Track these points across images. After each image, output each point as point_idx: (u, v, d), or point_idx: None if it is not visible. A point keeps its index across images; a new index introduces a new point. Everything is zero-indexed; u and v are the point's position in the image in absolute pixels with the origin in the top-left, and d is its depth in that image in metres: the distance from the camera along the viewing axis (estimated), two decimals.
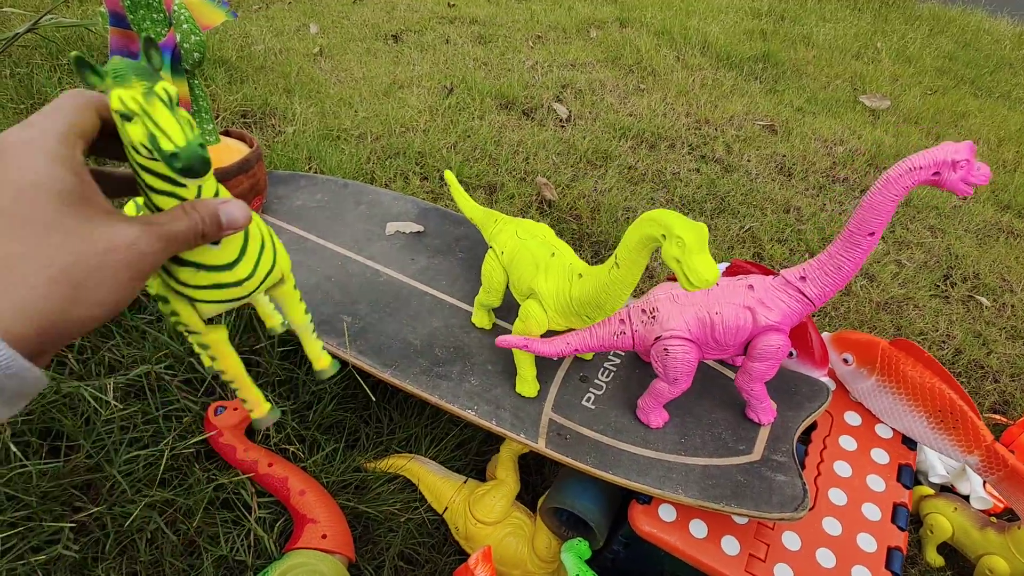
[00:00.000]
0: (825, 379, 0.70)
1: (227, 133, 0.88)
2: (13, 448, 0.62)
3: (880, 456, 0.67)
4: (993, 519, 0.86)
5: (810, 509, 0.60)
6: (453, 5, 2.99)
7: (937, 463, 0.90)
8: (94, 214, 0.26)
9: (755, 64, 2.58)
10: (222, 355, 0.43)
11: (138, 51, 0.73)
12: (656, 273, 1.38)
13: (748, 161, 1.88)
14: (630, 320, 0.62)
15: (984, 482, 0.91)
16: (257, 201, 0.88)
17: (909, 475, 0.66)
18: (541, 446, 0.64)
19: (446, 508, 0.77)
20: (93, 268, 0.25)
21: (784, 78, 2.53)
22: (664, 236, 0.48)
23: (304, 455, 0.74)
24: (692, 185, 1.72)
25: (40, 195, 0.24)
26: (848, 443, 0.69)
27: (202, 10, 0.75)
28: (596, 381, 0.71)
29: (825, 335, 0.75)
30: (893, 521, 0.62)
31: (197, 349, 0.43)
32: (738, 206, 1.65)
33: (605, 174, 1.72)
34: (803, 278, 0.57)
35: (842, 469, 0.66)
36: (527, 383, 0.68)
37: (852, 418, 0.71)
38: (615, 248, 0.66)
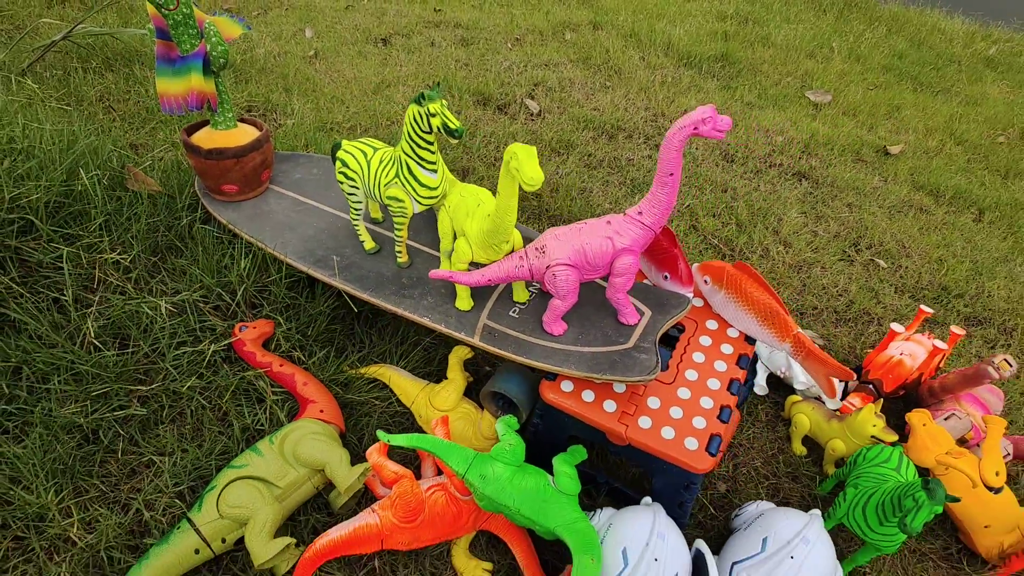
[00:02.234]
0: (690, 295, 0.94)
1: (242, 120, 1.12)
2: (95, 342, 0.86)
3: (727, 348, 0.92)
4: (837, 413, 1.11)
5: (664, 379, 0.85)
6: (439, 10, 3.24)
7: (800, 374, 1.15)
8: None
9: (713, 63, 2.83)
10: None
11: (176, 58, 0.98)
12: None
13: (696, 149, 2.12)
14: (527, 256, 0.86)
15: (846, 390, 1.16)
16: (266, 173, 1.13)
17: (746, 361, 0.91)
18: (476, 340, 0.89)
19: (412, 402, 1.02)
20: None
21: (739, 76, 2.77)
22: (511, 157, 0.75)
23: (305, 359, 0.99)
24: (643, 170, 1.97)
25: None
26: (705, 340, 0.93)
27: (225, 26, 1.00)
28: (523, 303, 0.96)
29: (694, 265, 0.99)
30: (728, 389, 0.87)
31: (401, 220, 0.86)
32: (681, 187, 1.89)
33: (567, 160, 1.97)
34: (640, 212, 0.82)
35: (697, 357, 0.91)
36: (463, 300, 0.93)
37: (711, 324, 0.95)
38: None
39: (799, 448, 1.14)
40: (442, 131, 0.84)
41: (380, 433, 0.84)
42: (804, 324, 1.45)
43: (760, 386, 1.19)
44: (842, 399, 1.20)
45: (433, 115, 0.84)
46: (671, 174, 0.79)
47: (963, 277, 1.63)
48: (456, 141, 0.85)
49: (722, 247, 1.66)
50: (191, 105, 0.99)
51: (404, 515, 0.81)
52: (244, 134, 1.07)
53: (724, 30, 3.27)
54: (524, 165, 0.74)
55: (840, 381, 1.21)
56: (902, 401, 1.24)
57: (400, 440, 0.84)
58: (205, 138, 1.05)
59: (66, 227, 0.94)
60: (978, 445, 1.08)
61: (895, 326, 1.19)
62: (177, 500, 0.82)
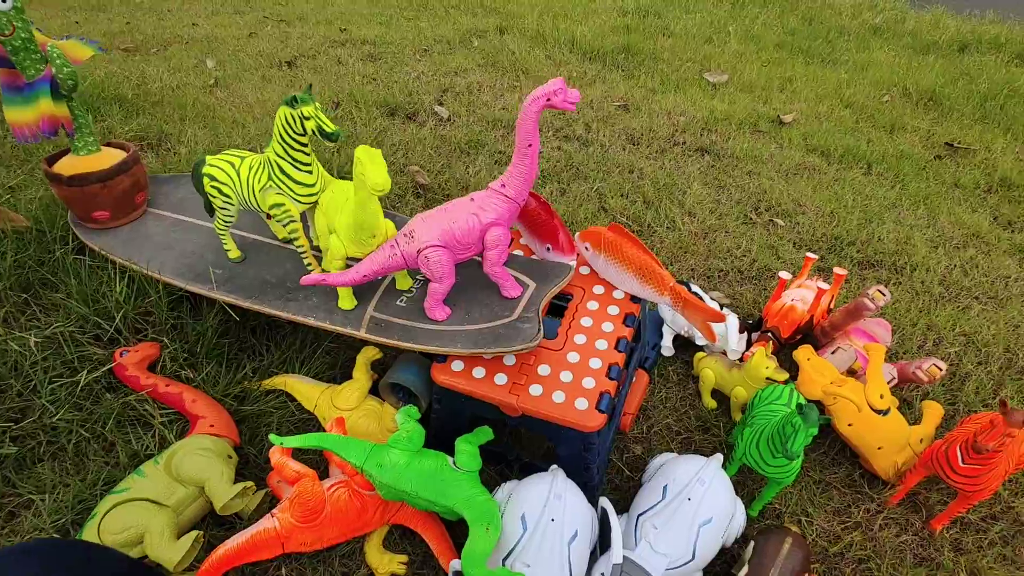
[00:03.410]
0: (572, 263, 0.97)
1: (109, 144, 1.09)
2: None
3: (613, 310, 0.94)
4: (738, 362, 1.15)
5: (553, 346, 0.87)
6: (345, 30, 3.24)
7: (668, 341, 1.19)
8: None
9: (617, 55, 2.92)
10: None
11: (23, 85, 0.94)
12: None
13: (603, 136, 2.18)
14: (397, 244, 0.86)
15: (742, 340, 1.20)
16: (141, 196, 1.10)
17: (632, 320, 0.93)
18: (362, 332, 0.88)
19: (315, 406, 1.00)
20: None
21: (642, 65, 2.86)
22: (357, 162, 0.76)
23: (195, 377, 0.96)
24: (552, 160, 2.01)
25: None
26: (592, 305, 0.95)
27: (73, 48, 0.97)
28: (408, 290, 0.97)
29: (576, 234, 1.02)
30: (616, 348, 0.89)
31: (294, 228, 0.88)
32: (590, 172, 1.94)
33: (476, 160, 1.99)
34: (503, 185, 0.84)
35: (585, 321, 0.93)
36: (345, 300, 0.92)
37: (598, 289, 0.98)
38: None
39: (709, 401, 1.17)
40: (317, 134, 0.85)
41: (273, 437, 0.82)
42: (712, 286, 1.51)
43: (667, 347, 1.22)
44: (746, 350, 1.25)
45: (307, 118, 0.85)
46: (529, 145, 0.81)
47: (855, 226, 1.72)
48: (333, 144, 0.85)
49: (631, 224, 1.70)
50: (44, 131, 0.96)
51: (304, 515, 0.80)
52: (109, 157, 1.04)
53: (626, 24, 3.38)
54: (368, 171, 0.75)
55: (745, 332, 1.25)
56: (802, 344, 1.29)
57: (294, 441, 0.83)
58: (68, 165, 1.02)
59: None
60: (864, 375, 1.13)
61: (783, 275, 1.25)
62: (56, 536, 0.78)
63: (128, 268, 0.98)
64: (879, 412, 1.01)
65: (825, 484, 1.04)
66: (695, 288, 1.22)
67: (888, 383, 1.10)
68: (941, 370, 1.06)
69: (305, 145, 0.87)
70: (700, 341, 1.19)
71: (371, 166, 0.75)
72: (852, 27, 3.59)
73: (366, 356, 1.02)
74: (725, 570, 0.92)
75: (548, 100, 0.78)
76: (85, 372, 0.90)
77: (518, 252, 1.05)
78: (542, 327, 0.85)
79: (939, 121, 2.35)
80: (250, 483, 0.80)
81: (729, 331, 1.20)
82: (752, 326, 1.29)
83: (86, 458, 0.85)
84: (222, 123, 2.03)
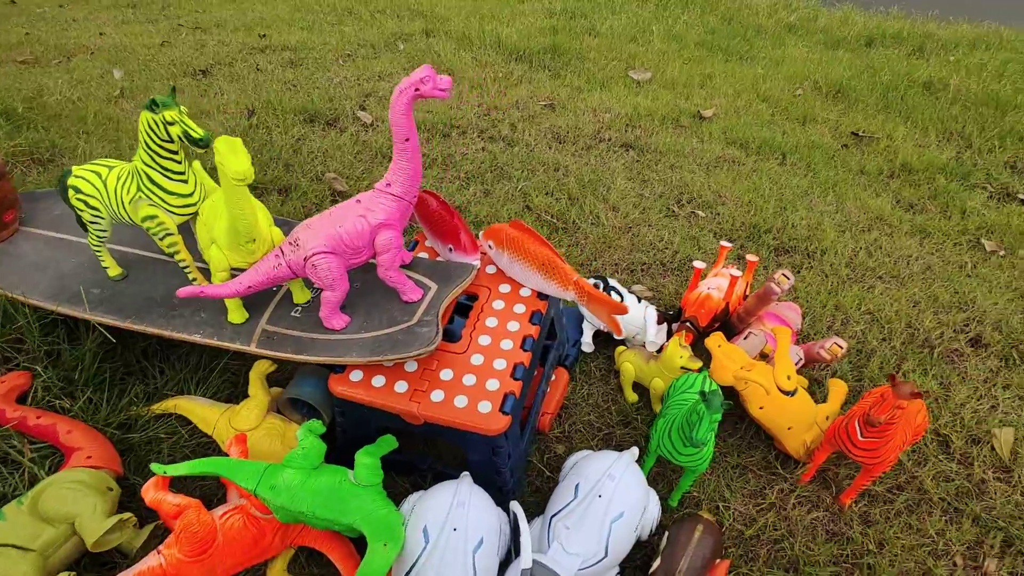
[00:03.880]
0: (475, 263, 0.95)
1: None
2: None
3: (519, 308, 0.93)
4: (656, 354, 1.16)
5: (457, 349, 0.84)
6: (265, 36, 3.13)
7: (588, 337, 1.19)
8: None
9: (544, 55, 2.93)
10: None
11: None
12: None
13: (528, 135, 2.18)
14: (283, 253, 0.82)
15: (657, 332, 1.21)
16: (9, 214, 1.01)
17: (539, 317, 0.92)
18: (252, 347, 0.84)
19: (213, 429, 0.94)
20: None
21: (569, 65, 2.88)
22: (215, 152, 0.72)
23: (71, 406, 0.89)
24: (477, 162, 1.99)
25: None
26: (498, 304, 0.94)
27: None
28: (305, 303, 0.92)
29: (480, 233, 1.00)
30: (522, 347, 0.88)
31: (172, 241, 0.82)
32: (514, 171, 1.93)
33: None
34: (388, 184, 0.81)
35: (491, 322, 0.91)
36: (234, 313, 0.87)
37: (504, 288, 0.96)
38: None
39: (630, 395, 1.17)
40: (184, 140, 0.80)
41: (155, 466, 0.76)
42: (635, 279, 1.52)
43: (587, 344, 1.21)
44: (667, 340, 1.25)
45: (171, 123, 0.79)
46: (406, 139, 0.79)
47: (771, 214, 1.77)
48: (203, 150, 0.80)
49: (555, 221, 1.70)
50: None
51: (192, 549, 0.74)
52: None
53: (553, 25, 3.40)
54: (227, 159, 0.71)
55: (665, 324, 1.26)
56: (720, 331, 1.31)
57: (180, 469, 0.77)
58: None
59: None
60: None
61: (697, 264, 1.26)
62: None
63: None
64: (787, 393, 1.03)
65: (742, 468, 1.06)
66: (612, 282, 1.22)
67: (796, 364, 1.13)
68: (842, 348, 1.09)
69: (175, 152, 0.82)
70: (587, 348, 1.19)
71: (230, 155, 0.71)
72: (768, 25, 3.73)
73: (259, 371, 0.96)
74: (646, 563, 0.91)
75: (417, 90, 0.75)
76: None
77: (423, 255, 1.02)
78: (441, 330, 0.82)
79: (846, 112, 2.46)
80: (127, 514, 0.74)
81: (647, 323, 1.20)
82: (672, 317, 1.30)
83: None
84: (126, 135, 1.92)
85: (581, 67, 2.86)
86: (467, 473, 0.83)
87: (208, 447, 0.95)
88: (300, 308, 0.90)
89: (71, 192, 0.86)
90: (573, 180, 1.89)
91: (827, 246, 1.63)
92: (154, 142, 0.80)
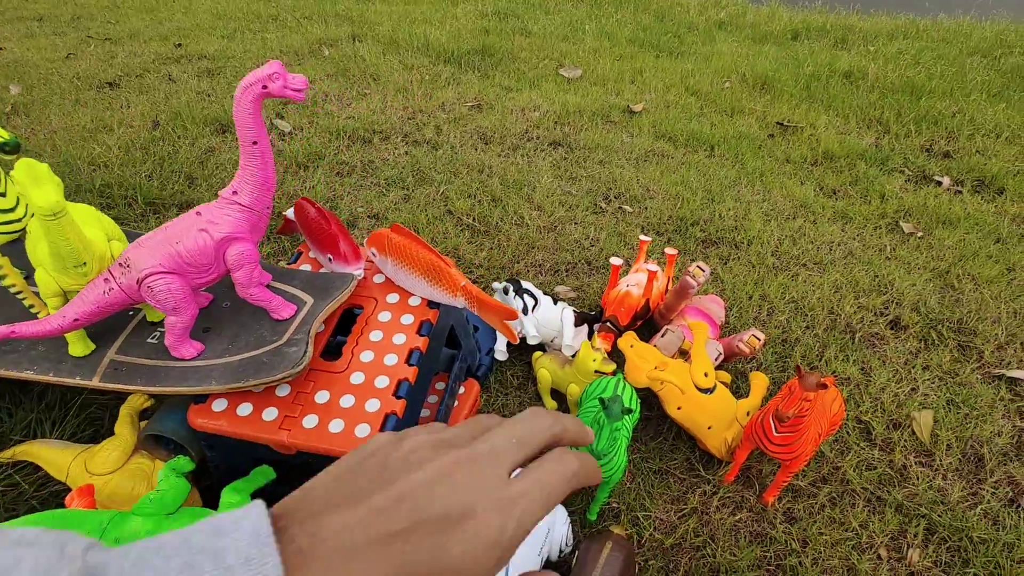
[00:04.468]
0: (357, 273, 0.87)
1: None
2: None
3: (407, 319, 0.85)
4: (571, 358, 1.10)
5: (336, 368, 0.77)
6: (180, 45, 2.98)
7: (531, 329, 1.12)
8: None
9: (473, 57, 2.87)
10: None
11: None
12: None
13: (453, 137, 2.11)
14: (112, 276, 0.72)
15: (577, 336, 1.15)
16: None
17: (428, 327, 0.85)
18: (95, 382, 0.74)
19: (67, 475, 0.84)
20: None
21: (499, 65, 2.83)
22: (19, 182, 0.62)
23: None
24: (398, 167, 1.91)
25: None
26: (385, 316, 0.86)
27: None
28: (161, 323, 0.83)
29: (365, 240, 0.92)
30: (407, 361, 0.80)
31: None
32: (436, 175, 1.86)
33: (315, 173, 1.85)
34: (235, 192, 0.73)
35: (375, 336, 0.83)
36: (76, 345, 0.77)
37: (392, 298, 0.88)
38: None
39: (549, 403, 1.11)
40: None
41: None
42: (559, 280, 1.46)
43: (501, 352, 1.15)
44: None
45: None
46: (254, 142, 0.71)
47: (698, 206, 1.75)
48: (11, 157, 0.70)
49: (477, 224, 1.63)
50: None
51: None
52: None
53: (485, 26, 3.36)
54: (29, 191, 0.61)
55: (585, 325, 1.21)
56: (647, 331, 1.27)
57: (13, 526, 0.66)
58: None
59: None
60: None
61: (615, 261, 1.22)
62: None
63: None
64: (705, 391, 0.99)
65: (663, 473, 1.01)
66: (526, 285, 1.16)
67: (716, 360, 1.09)
68: (760, 340, 1.06)
69: None
70: (531, 340, 1.13)
71: (33, 186, 0.61)
72: (699, 22, 3.78)
73: (131, 406, 0.86)
74: None
75: (265, 88, 0.67)
76: None
77: (306, 266, 0.94)
78: (310, 349, 0.74)
79: (772, 103, 2.48)
80: None
81: (564, 325, 1.15)
82: (593, 317, 1.24)
83: None
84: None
85: (511, 67, 2.81)
86: None
87: (63, 494, 0.84)
88: (158, 333, 0.81)
89: None
90: (497, 181, 1.83)
91: (753, 236, 1.62)
92: None
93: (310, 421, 0.74)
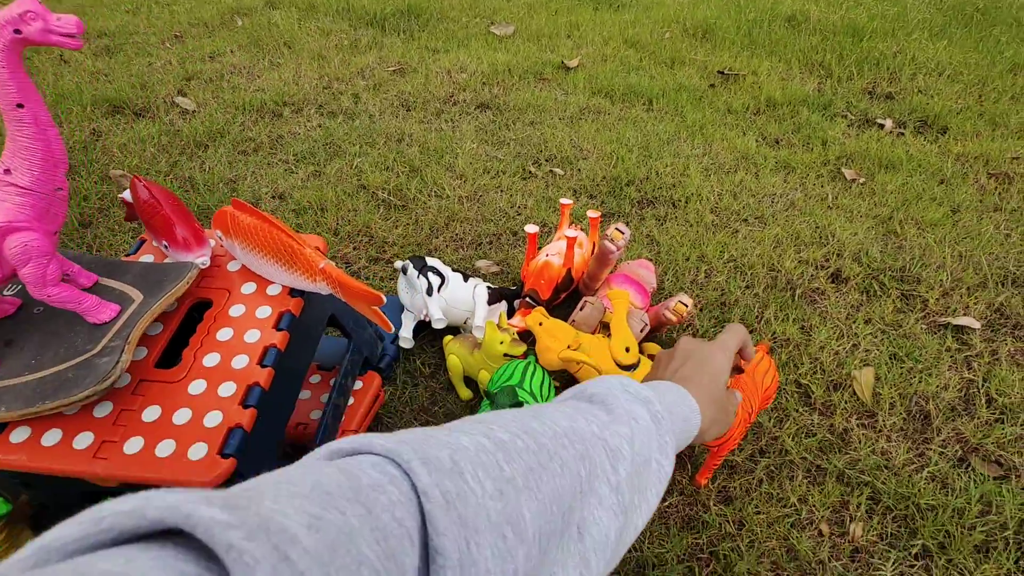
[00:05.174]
0: (200, 261, 0.73)
1: None
2: None
3: (264, 312, 0.72)
4: (480, 341, 0.98)
5: (172, 377, 0.64)
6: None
7: (436, 311, 1.00)
8: None
9: (399, 19, 2.67)
10: None
11: None
12: None
13: (372, 106, 1.94)
14: None
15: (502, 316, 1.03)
16: None
17: (289, 319, 0.72)
18: None
19: None
20: None
21: (426, 26, 2.64)
22: None
23: None
24: (309, 141, 1.74)
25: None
26: (238, 310, 0.73)
27: None
28: None
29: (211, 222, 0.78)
30: (260, 363, 0.67)
31: None
32: (351, 147, 1.70)
33: (216, 151, 1.68)
34: (7, 171, 0.58)
35: (224, 334, 0.70)
36: None
37: (248, 288, 0.75)
38: None
39: (463, 392, 1.00)
40: None
41: None
42: (481, 253, 1.34)
43: (406, 339, 1.02)
44: (509, 318, 1.08)
45: None
46: (18, 105, 0.56)
47: (634, 164, 1.63)
48: None
49: (393, 198, 1.49)
50: None
51: None
52: None
53: None
54: None
55: (503, 302, 1.09)
56: (571, 303, 1.16)
57: None
58: None
59: None
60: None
61: (529, 228, 1.10)
62: None
63: None
64: (627, 368, 0.88)
65: None
66: (432, 261, 1.04)
67: (641, 331, 0.99)
68: (687, 306, 0.96)
69: None
70: (437, 324, 1.00)
71: None
72: None
73: None
74: None
75: (18, 31, 0.52)
76: None
77: (148, 257, 0.79)
78: (125, 358, 0.61)
79: (713, 52, 2.36)
80: None
81: (477, 303, 1.03)
82: (513, 293, 1.13)
83: None
84: None
85: (440, 27, 2.63)
86: None
87: None
88: None
89: None
90: (416, 150, 1.69)
91: (692, 193, 1.51)
92: None
93: (133, 445, 0.61)
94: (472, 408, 0.99)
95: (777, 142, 1.79)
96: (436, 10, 2.79)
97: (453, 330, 1.09)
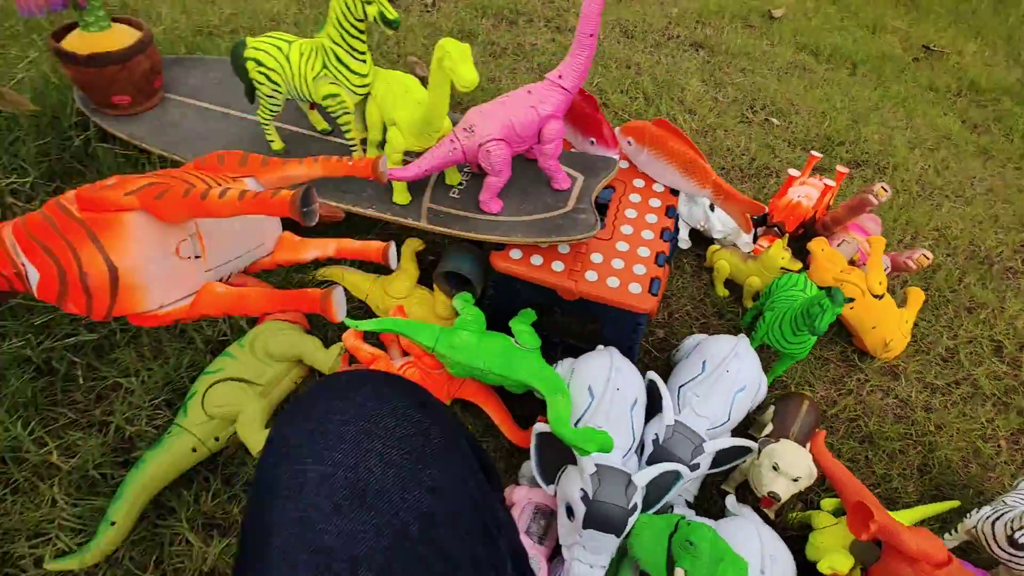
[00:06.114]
0: (615, 157, 1.00)
1: (116, 20, 1.00)
2: None
3: (655, 202, 1.00)
4: (751, 255, 1.25)
5: (602, 236, 0.92)
6: None
7: (717, 223, 1.26)
8: None
9: None
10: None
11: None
12: None
13: None
14: (457, 138, 0.86)
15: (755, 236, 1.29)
16: (159, 80, 1.03)
17: (673, 211, 0.99)
18: (422, 223, 0.91)
19: (367, 295, 1.04)
20: None
21: None
22: (444, 56, 0.74)
23: None
24: (547, 54, 1.95)
25: None
26: (634, 197, 1.00)
27: None
28: (458, 184, 0.98)
29: (617, 128, 1.04)
30: (661, 237, 0.96)
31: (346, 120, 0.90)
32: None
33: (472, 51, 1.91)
34: (560, 76, 0.84)
35: (630, 213, 0.98)
36: (400, 194, 0.93)
37: (638, 183, 1.02)
38: None
39: (722, 291, 1.27)
40: (378, 21, 0.81)
41: (348, 320, 0.85)
42: None
43: (684, 240, 1.30)
44: (753, 242, 1.34)
45: (369, 2, 0.80)
46: (591, 34, 0.81)
47: (843, 127, 1.80)
48: (392, 32, 0.82)
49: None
50: (54, 5, 0.87)
51: None
52: (122, 35, 0.96)
53: None
54: (458, 66, 0.73)
55: (754, 217, 1.34)
56: (803, 238, 1.40)
57: (368, 325, 0.87)
58: (78, 43, 0.93)
59: None
60: (864, 264, 1.25)
61: (792, 172, 1.32)
62: (158, 412, 0.82)
63: (168, 158, 0.94)
64: (877, 297, 1.13)
65: (824, 359, 1.19)
66: None
67: (886, 272, 1.23)
68: (928, 259, 1.19)
69: (363, 32, 0.83)
70: (716, 234, 1.27)
71: (462, 63, 0.74)
72: None
73: (411, 247, 1.04)
74: (743, 432, 1.06)
75: None
76: None
77: None
78: (599, 218, 0.89)
79: (917, 21, 2.40)
80: (342, 344, 0.86)
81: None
82: (756, 221, 1.37)
83: (162, 344, 0.87)
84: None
85: None
86: (612, 347, 0.94)
87: (360, 311, 1.05)
88: (456, 189, 0.96)
89: (251, 65, 0.88)
90: (647, 79, 1.88)
91: (898, 162, 1.68)
92: (347, 20, 0.81)
93: (591, 275, 0.91)
94: (730, 304, 1.26)
95: (976, 127, 1.90)
96: None
97: (708, 240, 1.35)
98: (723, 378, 0.92)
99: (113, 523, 0.73)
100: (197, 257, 0.41)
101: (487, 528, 0.40)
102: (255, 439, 0.81)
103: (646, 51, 2.04)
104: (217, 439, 0.82)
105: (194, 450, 0.80)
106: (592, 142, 1.01)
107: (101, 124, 0.97)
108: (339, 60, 0.84)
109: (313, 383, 0.40)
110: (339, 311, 0.43)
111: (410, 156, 0.94)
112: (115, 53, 0.92)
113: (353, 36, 0.83)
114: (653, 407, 0.92)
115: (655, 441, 0.87)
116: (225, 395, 0.82)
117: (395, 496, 0.35)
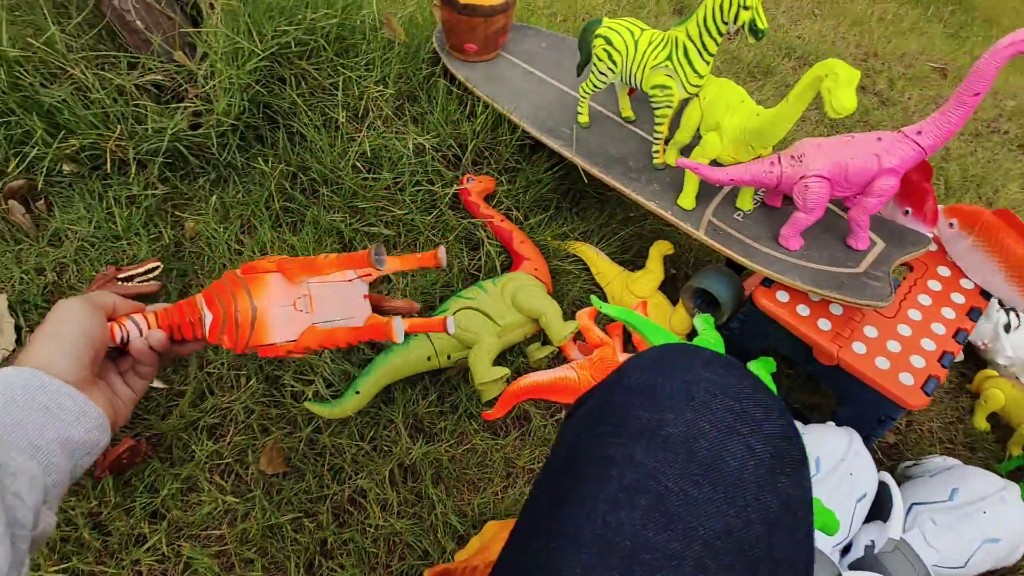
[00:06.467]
0: (929, 235, 0.89)
1: None
2: (357, 163, 0.96)
3: (958, 298, 0.87)
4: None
5: (884, 312, 0.84)
6: None
7: (1007, 347, 1.07)
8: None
9: (944, 5, 2.48)
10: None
11: None
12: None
13: (908, 99, 1.92)
14: (780, 163, 0.83)
15: None
16: (503, 38, 1.16)
17: (977, 314, 0.86)
18: (701, 234, 0.90)
19: (608, 283, 1.07)
20: None
21: (972, 24, 2.42)
22: (827, 75, 0.71)
23: (522, 220, 1.05)
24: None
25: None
26: (935, 285, 0.89)
27: None
28: (748, 210, 0.96)
29: (941, 207, 0.93)
30: (955, 337, 0.84)
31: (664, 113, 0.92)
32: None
33: (763, 87, 1.85)
34: (919, 132, 0.76)
35: (924, 300, 0.87)
36: (688, 198, 0.93)
37: (943, 271, 0.91)
38: None
39: (982, 423, 1.09)
40: (746, 28, 0.79)
41: (594, 299, 0.88)
42: None
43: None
44: None
45: (747, 8, 0.78)
46: (976, 94, 0.73)
47: None
48: (756, 41, 0.82)
49: None
50: None
51: (598, 377, 0.88)
52: None
53: None
54: (840, 88, 0.71)
55: None
56: None
57: (612, 310, 0.89)
58: None
59: (341, 58, 1.03)
60: None
61: None
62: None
63: (490, 104, 1.06)
64: None
65: None
66: None
67: None
68: None
69: (722, 35, 0.84)
70: (1002, 360, 1.08)
71: (846, 87, 0.71)
72: None
73: (660, 249, 1.04)
74: None
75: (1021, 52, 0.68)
76: (440, 185, 1.02)
77: None
78: (893, 290, 0.81)
79: None
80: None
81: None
82: None
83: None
84: None
85: (988, 32, 2.38)
86: (851, 428, 0.85)
87: (593, 293, 1.08)
88: (742, 214, 0.94)
89: (599, 41, 0.94)
90: (955, 167, 1.66)
91: None
92: (714, 20, 0.83)
93: (859, 347, 0.83)
94: (990, 441, 1.07)
95: None
96: (985, 8, 2.52)
97: (981, 363, 1.15)
98: (975, 519, 0.79)
99: (358, 392, 0.85)
100: (306, 312, 0.56)
101: (808, 567, 0.37)
102: (482, 369, 0.88)
103: (963, 138, 1.81)
104: (449, 357, 0.91)
105: (428, 359, 0.90)
106: (907, 212, 0.91)
107: (447, 63, 1.12)
108: (686, 55, 0.87)
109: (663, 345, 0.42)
110: (399, 335, 0.53)
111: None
112: (486, 7, 1.05)
113: (711, 36, 0.84)
114: (874, 511, 0.82)
115: (869, 548, 0.78)
116: (470, 321, 0.90)
117: (749, 489, 0.33)
